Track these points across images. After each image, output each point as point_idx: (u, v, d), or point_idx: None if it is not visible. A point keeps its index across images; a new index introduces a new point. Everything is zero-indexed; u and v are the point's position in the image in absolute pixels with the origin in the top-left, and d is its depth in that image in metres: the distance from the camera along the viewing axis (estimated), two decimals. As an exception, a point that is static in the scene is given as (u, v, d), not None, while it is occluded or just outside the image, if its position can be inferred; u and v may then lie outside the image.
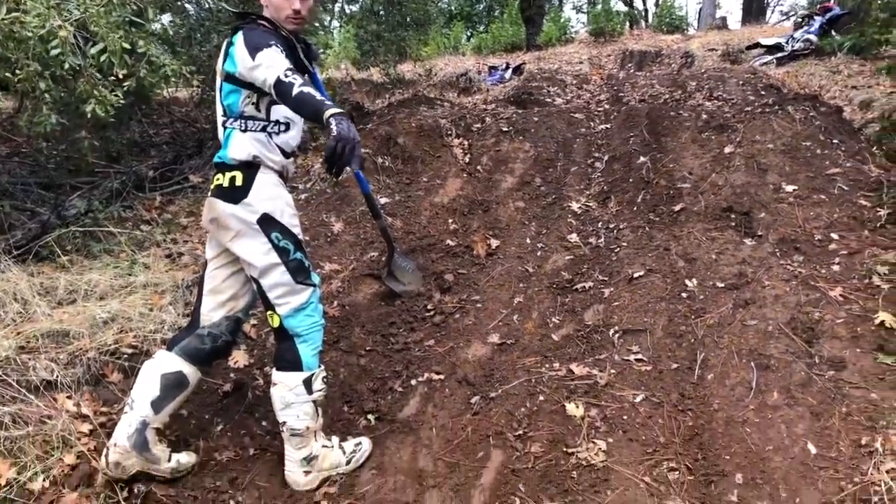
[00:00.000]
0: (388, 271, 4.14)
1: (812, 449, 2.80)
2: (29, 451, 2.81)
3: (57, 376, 3.14)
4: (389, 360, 3.74)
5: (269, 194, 2.81)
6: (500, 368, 3.56)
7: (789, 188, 4.31)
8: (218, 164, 2.85)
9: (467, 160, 5.26)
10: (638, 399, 3.18)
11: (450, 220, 4.74)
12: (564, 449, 3.00)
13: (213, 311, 2.95)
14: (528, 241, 4.50)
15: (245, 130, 2.79)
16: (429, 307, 4.10)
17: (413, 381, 3.58)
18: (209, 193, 2.87)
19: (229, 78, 2.75)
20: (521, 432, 3.13)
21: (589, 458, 2.92)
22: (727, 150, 4.82)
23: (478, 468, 3.00)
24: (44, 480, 2.74)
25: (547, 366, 3.49)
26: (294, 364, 2.86)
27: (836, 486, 2.65)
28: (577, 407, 3.18)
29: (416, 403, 3.43)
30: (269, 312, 2.86)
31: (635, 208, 4.54)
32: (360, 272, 4.29)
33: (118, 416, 2.98)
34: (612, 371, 3.36)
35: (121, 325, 3.54)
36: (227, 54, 2.77)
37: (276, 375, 2.90)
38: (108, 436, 2.85)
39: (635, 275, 3.92)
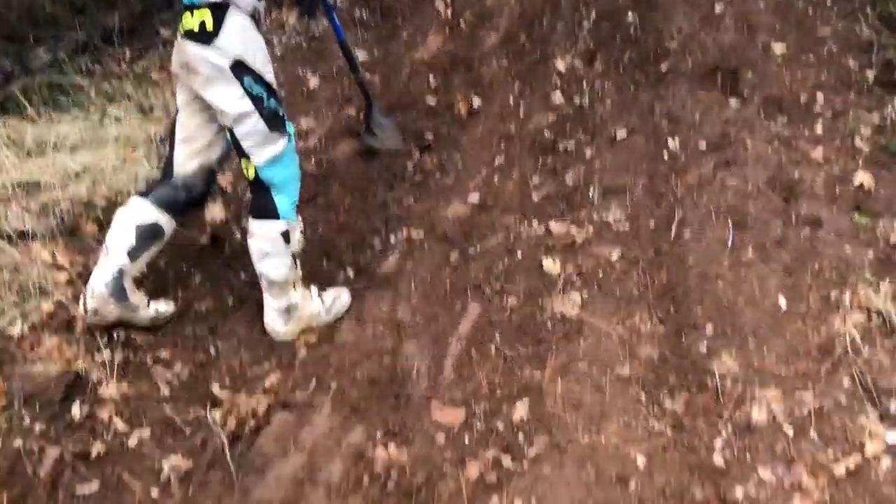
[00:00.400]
0: (366, 127, 4.04)
1: (783, 303, 2.86)
2: (5, 297, 2.81)
3: (29, 227, 3.09)
4: (368, 217, 3.72)
5: (241, 38, 2.67)
6: (479, 226, 3.56)
7: (778, 48, 4.21)
8: (187, 5, 2.69)
9: (450, 14, 5.04)
10: (614, 256, 3.20)
11: (431, 78, 4.59)
12: (540, 302, 3.05)
13: (186, 161, 2.88)
14: (511, 100, 4.39)
15: None
16: (408, 166, 4.04)
17: (392, 238, 3.57)
18: (178, 36, 2.74)
19: None
20: (498, 287, 3.17)
21: (564, 311, 2.97)
22: (717, 9, 4.65)
23: (455, 319, 3.05)
24: (23, 325, 2.76)
25: (525, 224, 3.49)
26: (271, 214, 2.83)
27: (802, 337, 2.74)
28: (554, 263, 3.20)
29: (395, 259, 3.45)
30: (243, 162, 2.79)
31: (621, 68, 4.42)
32: (337, 129, 4.20)
33: (94, 266, 2.97)
34: (591, 229, 3.36)
35: (93, 178, 3.47)
36: None
37: (253, 226, 2.87)
38: (86, 284, 2.84)
39: (618, 135, 3.87)
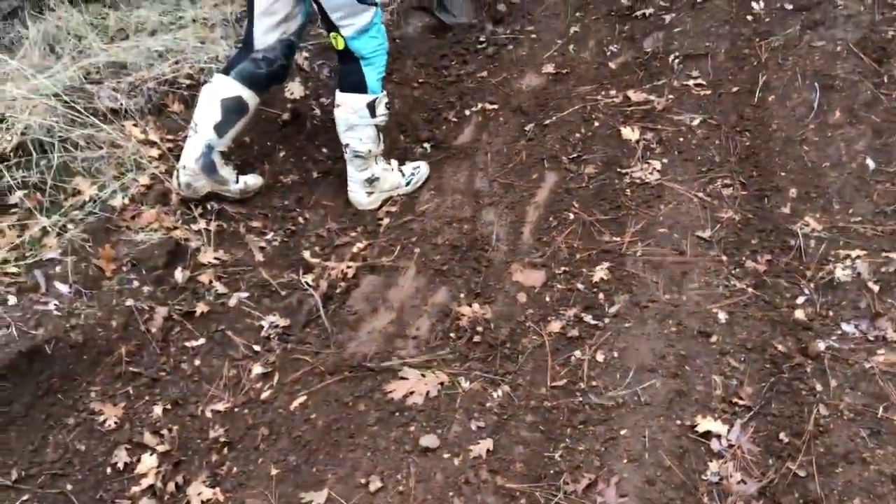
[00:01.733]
0: (438, 2, 3.98)
1: (870, 164, 2.80)
2: (106, 172, 2.94)
3: (121, 104, 3.20)
4: (443, 91, 3.72)
5: None
6: (554, 97, 3.53)
7: None
8: None
9: None
10: (695, 122, 3.16)
11: (502, -51, 4.47)
12: (618, 169, 3.05)
13: (266, 35, 2.91)
14: (585, -32, 4.25)
15: None
16: (481, 39, 3.99)
17: (467, 111, 3.59)
18: None
19: None
20: (574, 155, 3.17)
21: (643, 177, 2.97)
22: None
23: (532, 188, 3.08)
24: (123, 198, 2.90)
25: (603, 93, 3.45)
26: (359, 86, 2.86)
27: (891, 197, 2.69)
28: (633, 131, 3.18)
29: (471, 131, 3.47)
30: (332, 34, 2.80)
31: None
32: (409, 4, 4.14)
33: (182, 143, 3.07)
34: (670, 96, 3.31)
35: (175, 58, 3.53)
36: None
37: (341, 97, 2.91)
38: (177, 159, 2.96)
39: (699, -2, 3.72)
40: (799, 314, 2.40)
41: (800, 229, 2.65)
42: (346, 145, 2.98)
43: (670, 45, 3.56)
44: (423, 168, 3.23)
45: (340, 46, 2.80)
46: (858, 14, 3.34)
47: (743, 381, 2.23)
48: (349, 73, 2.87)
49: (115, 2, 4.13)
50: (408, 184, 3.17)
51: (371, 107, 2.89)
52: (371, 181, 3.07)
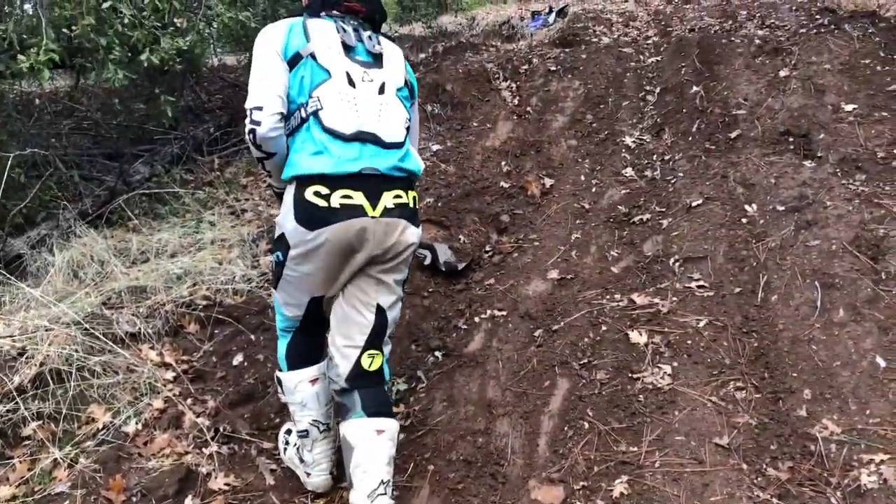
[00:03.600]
0: (432, 260, 4.02)
1: (881, 362, 2.79)
2: (121, 398, 2.98)
3: (139, 328, 3.30)
4: (452, 299, 3.83)
5: None
6: (561, 302, 3.61)
7: (849, 108, 4.21)
8: (402, 177, 2.55)
9: (516, 102, 5.24)
10: (701, 324, 3.20)
11: (502, 163, 4.76)
12: (630, 374, 3.05)
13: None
14: (582, 178, 4.50)
15: None
16: (487, 248, 4.16)
17: (476, 319, 3.66)
18: (389, 212, 2.47)
19: (409, 88, 2.72)
20: (585, 361, 3.19)
21: (655, 382, 2.97)
22: (782, 73, 4.71)
23: (545, 396, 3.07)
24: (136, 423, 2.92)
25: (608, 297, 3.53)
26: (390, 408, 2.68)
27: (907, 396, 2.66)
28: (641, 334, 3.21)
29: (481, 339, 3.52)
30: (374, 353, 2.61)
31: (690, 138, 4.49)
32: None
33: (198, 364, 3.13)
34: (674, 299, 3.37)
35: (193, 279, 3.69)
36: (404, 62, 2.75)
37: (383, 422, 2.54)
38: (191, 381, 3.00)
39: (693, 204, 3.90)
40: (830, 527, 2.30)
41: (819, 433, 2.60)
42: (387, 482, 2.47)
43: (670, 249, 3.68)
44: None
45: (376, 367, 2.61)
46: (848, 214, 3.47)
47: None
48: (386, 394, 2.68)
49: (138, 226, 4.37)
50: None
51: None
52: None
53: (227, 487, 2.74)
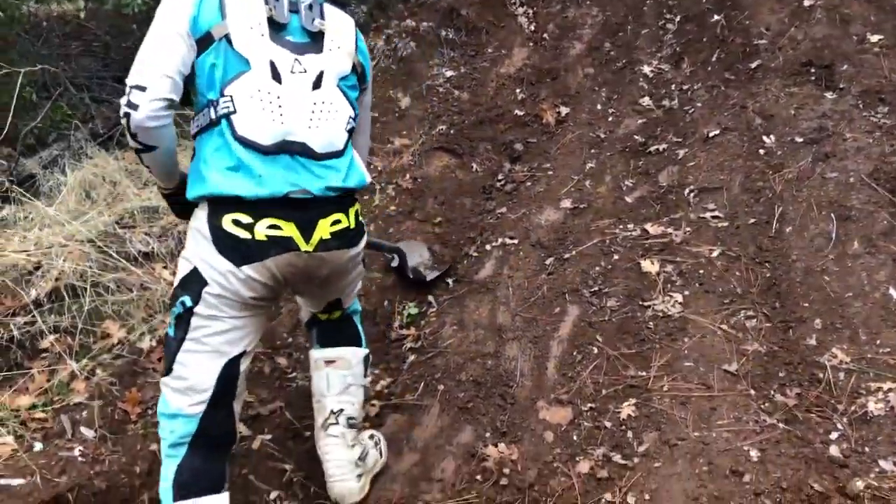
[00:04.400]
0: (411, 274, 3.54)
1: (894, 294, 2.79)
2: (135, 315, 3.02)
3: (152, 248, 3.32)
4: (463, 227, 3.82)
5: None
6: (573, 231, 3.60)
7: (874, 38, 4.09)
8: (342, 196, 2.15)
9: (533, 28, 5.12)
10: (714, 254, 3.19)
11: (517, 90, 4.67)
12: (640, 302, 3.06)
13: None
14: (598, 107, 4.43)
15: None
16: (499, 177, 4.12)
17: (487, 246, 3.66)
18: (325, 244, 2.10)
19: (358, 73, 2.27)
20: (596, 289, 3.20)
21: (665, 310, 2.98)
22: (806, 2, 4.56)
23: (555, 322, 3.09)
24: (150, 340, 2.96)
25: (621, 227, 3.51)
26: (356, 338, 2.58)
27: (918, 327, 2.66)
28: (653, 263, 3.21)
29: (492, 266, 3.52)
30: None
31: (710, 68, 4.39)
32: (429, 145, 4.32)
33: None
34: (688, 229, 3.36)
35: (205, 200, 3.68)
36: (356, 38, 2.27)
37: (337, 351, 2.52)
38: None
39: (710, 134, 3.84)
40: (833, 451, 2.33)
41: (827, 361, 2.62)
42: (339, 412, 2.43)
43: (685, 179, 3.65)
44: (379, 434, 2.71)
45: (336, 317, 2.53)
46: (868, 146, 3.42)
47: (782, 525, 2.14)
48: (347, 327, 2.56)
49: (151, 148, 4.34)
50: (381, 454, 2.62)
51: (366, 363, 2.56)
52: (362, 458, 2.49)
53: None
